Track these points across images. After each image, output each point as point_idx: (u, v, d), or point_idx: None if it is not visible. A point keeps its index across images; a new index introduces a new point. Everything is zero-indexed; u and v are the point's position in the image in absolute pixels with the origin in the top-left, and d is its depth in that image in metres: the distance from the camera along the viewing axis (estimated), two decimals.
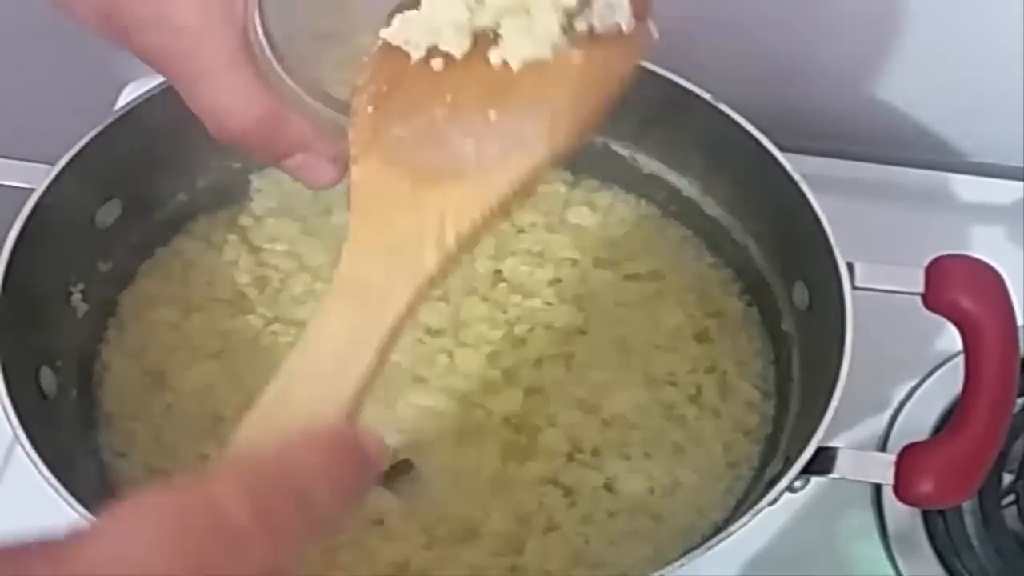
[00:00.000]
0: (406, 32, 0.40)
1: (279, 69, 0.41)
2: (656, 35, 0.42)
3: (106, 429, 0.55)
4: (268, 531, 0.28)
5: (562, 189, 0.63)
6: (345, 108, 0.40)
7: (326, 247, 0.60)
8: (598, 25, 0.39)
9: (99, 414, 0.55)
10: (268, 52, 0.41)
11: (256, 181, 0.61)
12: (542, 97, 0.38)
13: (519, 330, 0.58)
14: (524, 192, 0.37)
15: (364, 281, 0.36)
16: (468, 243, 0.36)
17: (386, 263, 0.36)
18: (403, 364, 0.56)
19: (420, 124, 0.38)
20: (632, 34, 0.40)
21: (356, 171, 0.38)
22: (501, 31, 0.38)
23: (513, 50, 0.38)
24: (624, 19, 0.39)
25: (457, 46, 0.39)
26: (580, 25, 0.39)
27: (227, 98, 0.42)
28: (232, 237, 0.61)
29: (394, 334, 0.35)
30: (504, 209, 0.37)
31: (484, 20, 0.39)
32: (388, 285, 0.35)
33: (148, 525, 0.27)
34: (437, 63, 0.39)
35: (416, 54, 0.39)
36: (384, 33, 0.40)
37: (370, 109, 0.39)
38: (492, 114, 0.38)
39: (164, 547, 0.27)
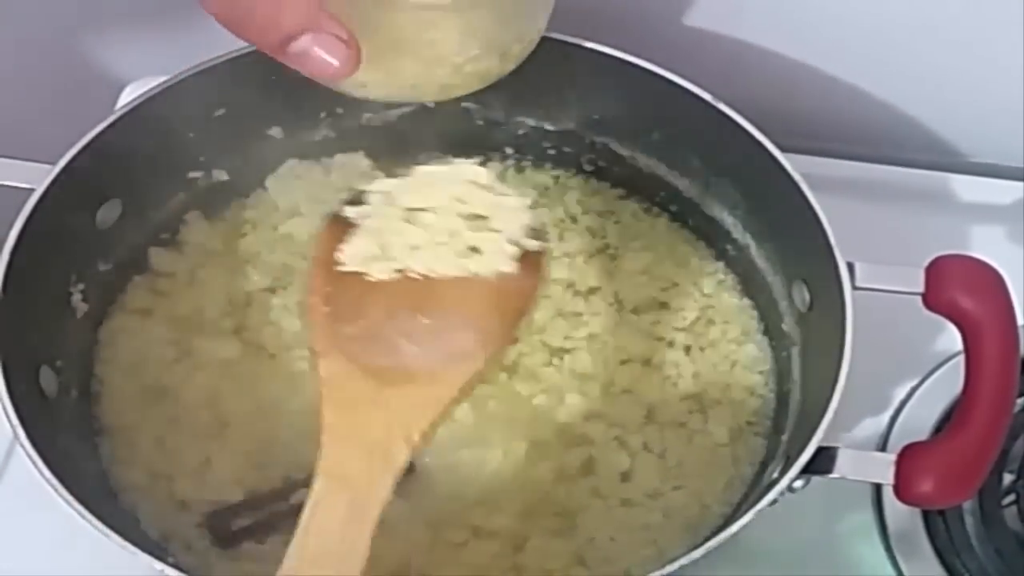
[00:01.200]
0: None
1: None
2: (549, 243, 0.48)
3: (106, 438, 0.55)
4: None
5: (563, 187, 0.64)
6: None
7: None
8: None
9: (99, 426, 0.55)
10: None
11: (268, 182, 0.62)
12: (470, 308, 0.44)
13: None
14: (471, 388, 0.43)
15: (347, 475, 0.40)
16: (431, 434, 0.42)
17: (365, 460, 0.41)
18: None
19: (365, 325, 0.43)
20: (537, 261, 0.46)
21: (323, 366, 0.43)
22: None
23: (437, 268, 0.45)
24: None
25: (386, 275, 0.45)
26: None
27: None
28: (234, 237, 0.61)
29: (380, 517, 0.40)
30: (457, 403, 0.42)
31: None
32: (369, 479, 0.40)
33: None
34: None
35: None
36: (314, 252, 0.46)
37: (325, 309, 0.44)
38: (423, 319, 0.43)
39: None
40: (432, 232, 0.46)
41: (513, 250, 0.46)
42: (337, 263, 0.45)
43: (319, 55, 0.41)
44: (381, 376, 0.42)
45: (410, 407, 0.42)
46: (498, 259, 0.45)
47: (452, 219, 0.46)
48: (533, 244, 0.46)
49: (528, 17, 0.48)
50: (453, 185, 0.47)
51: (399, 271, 0.45)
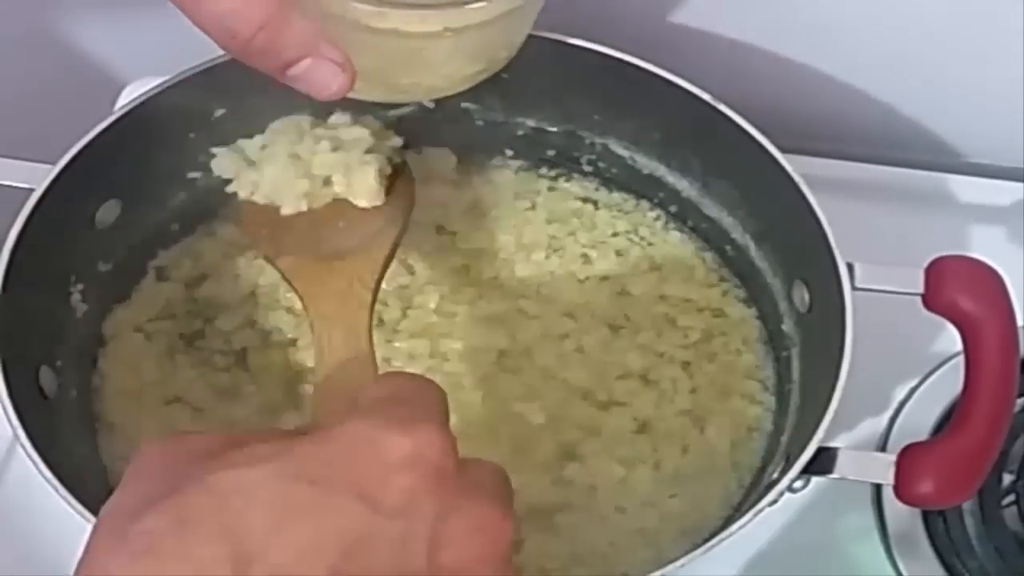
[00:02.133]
0: (247, 190, 0.56)
1: None
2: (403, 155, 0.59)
3: (107, 435, 0.55)
4: None
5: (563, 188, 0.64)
6: None
7: None
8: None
9: (100, 425, 0.55)
10: None
11: None
12: (361, 213, 0.55)
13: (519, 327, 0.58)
14: (393, 254, 0.54)
15: (334, 314, 0.50)
16: (378, 286, 0.52)
17: (342, 302, 0.51)
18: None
19: (297, 234, 0.54)
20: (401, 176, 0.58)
21: (280, 262, 0.53)
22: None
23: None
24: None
25: (295, 209, 0.55)
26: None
27: (231, 2, 0.41)
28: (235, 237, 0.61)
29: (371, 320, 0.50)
30: (388, 264, 0.53)
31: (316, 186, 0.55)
32: (351, 310, 0.50)
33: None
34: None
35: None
36: (231, 188, 0.57)
37: (264, 232, 0.55)
38: (339, 223, 0.55)
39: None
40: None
41: (375, 185, 0.55)
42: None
43: (317, 79, 0.44)
44: (326, 258, 0.53)
45: (358, 268, 0.52)
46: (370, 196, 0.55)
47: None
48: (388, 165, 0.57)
49: (516, 31, 0.49)
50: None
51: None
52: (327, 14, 0.43)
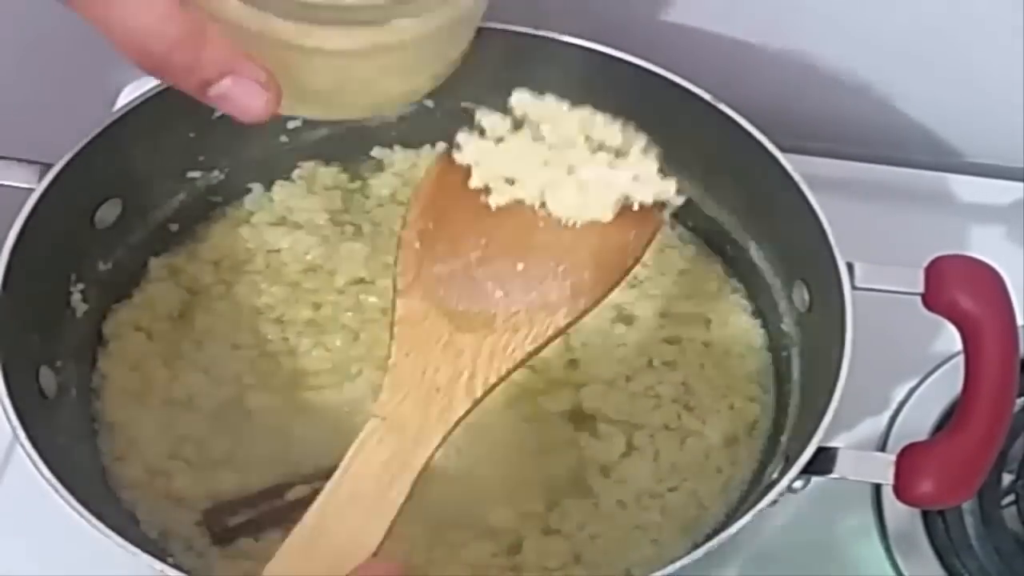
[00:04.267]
0: (476, 157, 0.46)
1: None
2: (666, 220, 0.47)
3: (107, 435, 0.55)
4: None
5: None
6: (284, 6, 0.40)
7: (333, 247, 0.60)
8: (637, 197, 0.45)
9: (100, 425, 0.55)
10: None
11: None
12: (567, 257, 0.43)
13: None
14: (548, 343, 0.42)
15: (400, 419, 0.40)
16: (492, 390, 0.41)
17: (422, 407, 0.40)
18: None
19: (458, 265, 0.43)
20: (648, 213, 0.45)
21: (401, 304, 0.42)
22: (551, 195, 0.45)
23: (565, 208, 0.44)
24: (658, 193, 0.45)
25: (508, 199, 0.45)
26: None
27: (145, 18, 0.40)
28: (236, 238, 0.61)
29: (424, 470, 0.40)
30: (526, 361, 0.41)
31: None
32: (423, 426, 0.40)
33: None
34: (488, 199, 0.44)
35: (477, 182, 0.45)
36: (459, 155, 0.46)
37: (417, 245, 0.44)
38: (520, 265, 0.43)
39: None
40: (555, 161, 0.46)
41: (618, 196, 0.45)
42: (442, 197, 0.46)
43: (239, 98, 0.42)
44: (460, 320, 0.42)
45: (482, 356, 0.41)
46: (606, 199, 0.45)
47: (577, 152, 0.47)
48: (647, 198, 0.45)
49: (452, 44, 0.46)
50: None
51: (516, 199, 0.45)
52: (249, 32, 0.41)
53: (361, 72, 0.43)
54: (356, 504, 0.39)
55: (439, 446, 0.40)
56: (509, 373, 0.42)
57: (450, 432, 0.40)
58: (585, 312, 0.43)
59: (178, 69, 0.41)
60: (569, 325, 0.43)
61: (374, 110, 0.50)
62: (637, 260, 0.45)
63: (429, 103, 0.61)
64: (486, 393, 0.41)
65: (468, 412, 0.41)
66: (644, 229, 0.46)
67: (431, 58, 0.45)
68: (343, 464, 0.39)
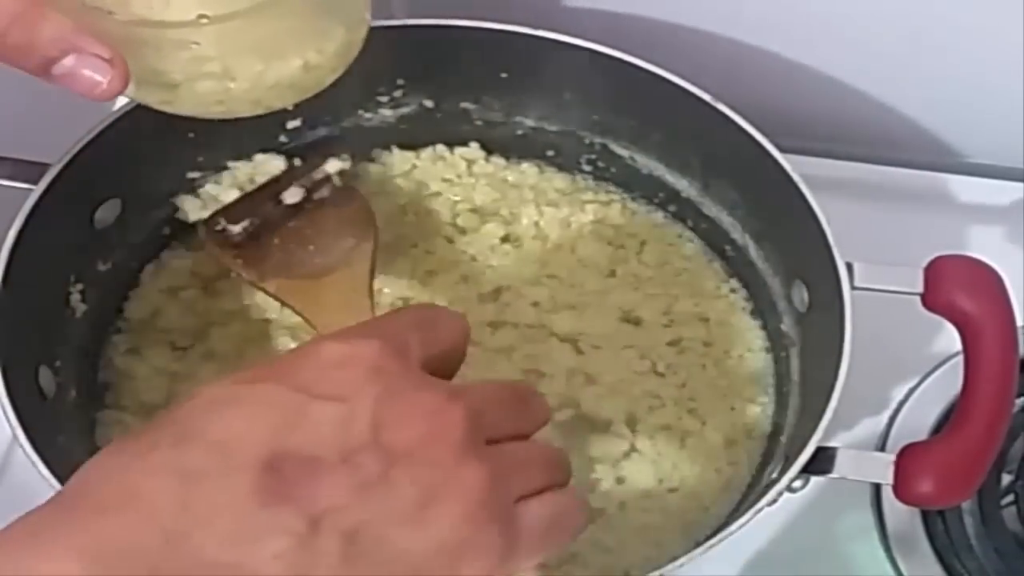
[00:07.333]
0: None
1: None
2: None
3: (107, 435, 0.55)
4: None
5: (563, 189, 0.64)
6: None
7: None
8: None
9: (100, 425, 0.55)
10: None
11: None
12: (337, 231, 0.56)
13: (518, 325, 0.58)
14: (374, 268, 0.54)
15: (335, 324, 0.44)
16: (372, 294, 0.53)
17: (342, 314, 0.51)
18: None
19: (274, 261, 0.55)
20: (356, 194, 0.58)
21: (269, 286, 0.54)
22: None
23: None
24: None
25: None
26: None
27: None
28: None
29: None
30: (373, 275, 0.54)
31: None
32: (351, 318, 0.44)
33: None
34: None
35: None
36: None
37: (239, 261, 0.55)
38: (311, 247, 0.55)
39: None
40: None
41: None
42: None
43: (84, 75, 0.41)
44: (312, 276, 0.54)
45: (347, 281, 0.53)
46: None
47: None
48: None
49: (316, 22, 0.43)
50: None
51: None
52: (78, 8, 0.39)
53: (205, 52, 0.41)
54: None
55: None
56: (371, 284, 0.53)
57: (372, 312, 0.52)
58: (373, 253, 0.55)
59: (15, 49, 0.40)
60: (371, 264, 0.54)
61: (252, 107, 0.45)
62: (369, 210, 0.57)
63: (429, 103, 0.61)
64: (371, 294, 0.53)
65: (373, 308, 0.52)
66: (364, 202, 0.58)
67: (289, 41, 0.43)
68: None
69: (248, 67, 0.42)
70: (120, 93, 0.41)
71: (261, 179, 0.59)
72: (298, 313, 0.53)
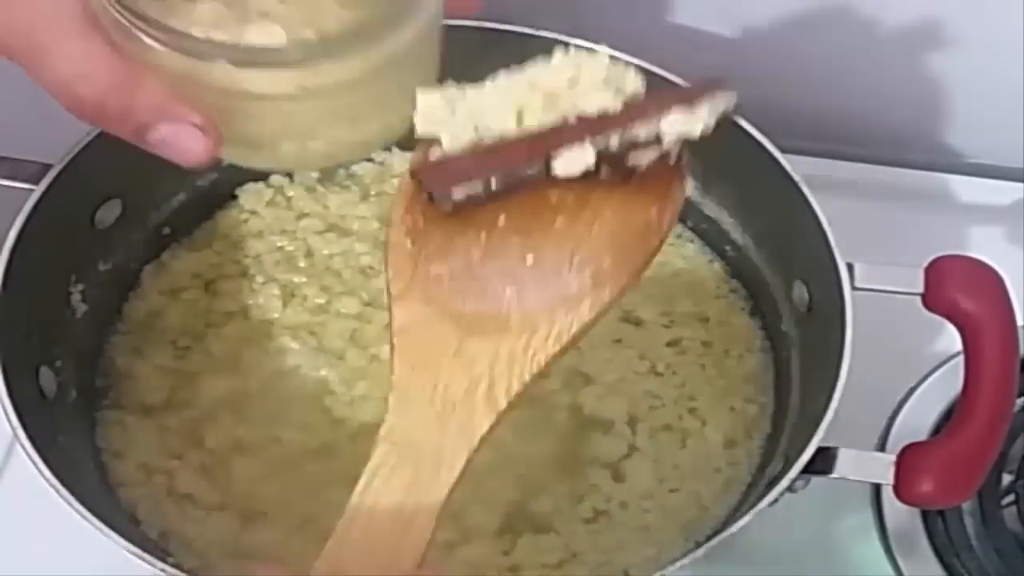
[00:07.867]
0: (437, 129, 0.41)
1: (127, 21, 0.38)
2: (689, 192, 0.42)
3: (107, 435, 0.55)
4: None
5: None
6: (205, 49, 0.38)
7: (334, 244, 0.60)
8: (642, 162, 0.39)
9: (100, 425, 0.55)
10: (115, 11, 0.38)
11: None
12: (583, 245, 0.37)
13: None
14: (575, 342, 0.35)
15: (416, 442, 0.34)
16: (519, 398, 0.35)
17: (438, 424, 0.35)
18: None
19: (458, 264, 0.37)
20: (669, 185, 0.40)
21: (399, 311, 0.37)
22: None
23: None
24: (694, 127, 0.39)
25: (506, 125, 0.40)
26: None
27: (78, 65, 0.39)
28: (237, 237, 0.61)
29: (449, 498, 0.34)
30: (557, 358, 0.35)
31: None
32: (442, 449, 0.34)
33: None
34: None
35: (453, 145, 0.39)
36: (421, 126, 0.40)
37: (409, 244, 0.38)
38: (529, 258, 0.37)
39: None
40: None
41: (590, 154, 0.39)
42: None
43: (178, 143, 0.41)
44: (469, 324, 0.36)
45: (499, 364, 0.35)
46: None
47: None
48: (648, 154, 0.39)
49: (400, 90, 0.43)
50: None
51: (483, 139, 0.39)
52: (181, 78, 0.39)
53: (296, 118, 0.42)
54: (372, 550, 0.34)
55: (464, 470, 0.34)
56: (535, 379, 0.36)
57: (475, 452, 0.35)
58: (612, 303, 0.37)
59: (113, 115, 0.40)
60: (597, 318, 0.37)
61: (325, 161, 0.46)
62: (663, 240, 0.39)
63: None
64: (512, 404, 0.35)
65: (493, 427, 0.35)
66: (666, 203, 0.40)
67: (375, 106, 0.42)
68: (351, 504, 0.34)
69: (332, 130, 0.42)
70: (211, 158, 0.42)
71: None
72: (392, 341, 0.36)
